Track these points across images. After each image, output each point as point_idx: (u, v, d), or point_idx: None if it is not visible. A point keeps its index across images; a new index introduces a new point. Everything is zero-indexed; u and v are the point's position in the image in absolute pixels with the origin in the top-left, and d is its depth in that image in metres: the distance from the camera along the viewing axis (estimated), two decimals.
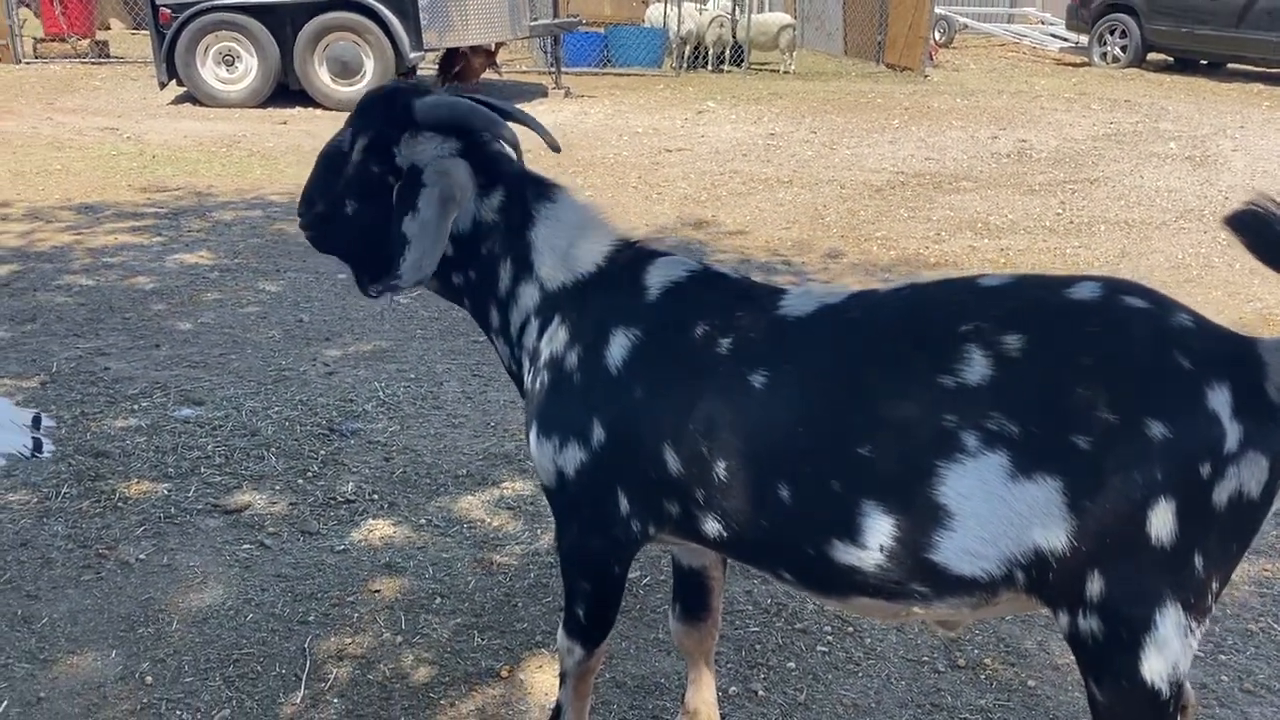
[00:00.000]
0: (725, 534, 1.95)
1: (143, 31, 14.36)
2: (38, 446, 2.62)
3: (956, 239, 7.14)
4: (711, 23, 15.46)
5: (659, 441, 1.95)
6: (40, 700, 2.66)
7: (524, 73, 14.93)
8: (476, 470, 3.87)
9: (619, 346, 2.02)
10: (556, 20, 13.89)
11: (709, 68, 15.51)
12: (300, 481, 3.75)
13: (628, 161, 9.33)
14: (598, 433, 2.01)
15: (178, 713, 2.64)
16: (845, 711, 2.73)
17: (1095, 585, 1.68)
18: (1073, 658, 1.83)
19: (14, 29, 13.97)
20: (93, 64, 14.25)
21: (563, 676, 2.31)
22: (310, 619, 3.01)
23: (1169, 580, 1.67)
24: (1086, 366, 1.66)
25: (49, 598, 3.06)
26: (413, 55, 11.56)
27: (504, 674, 2.81)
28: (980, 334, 1.73)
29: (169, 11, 11.37)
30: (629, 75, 14.89)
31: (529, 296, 2.17)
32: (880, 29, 16.13)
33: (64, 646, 2.86)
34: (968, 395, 1.70)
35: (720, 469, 1.89)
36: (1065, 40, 18.80)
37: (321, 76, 11.55)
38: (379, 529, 3.47)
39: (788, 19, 16.16)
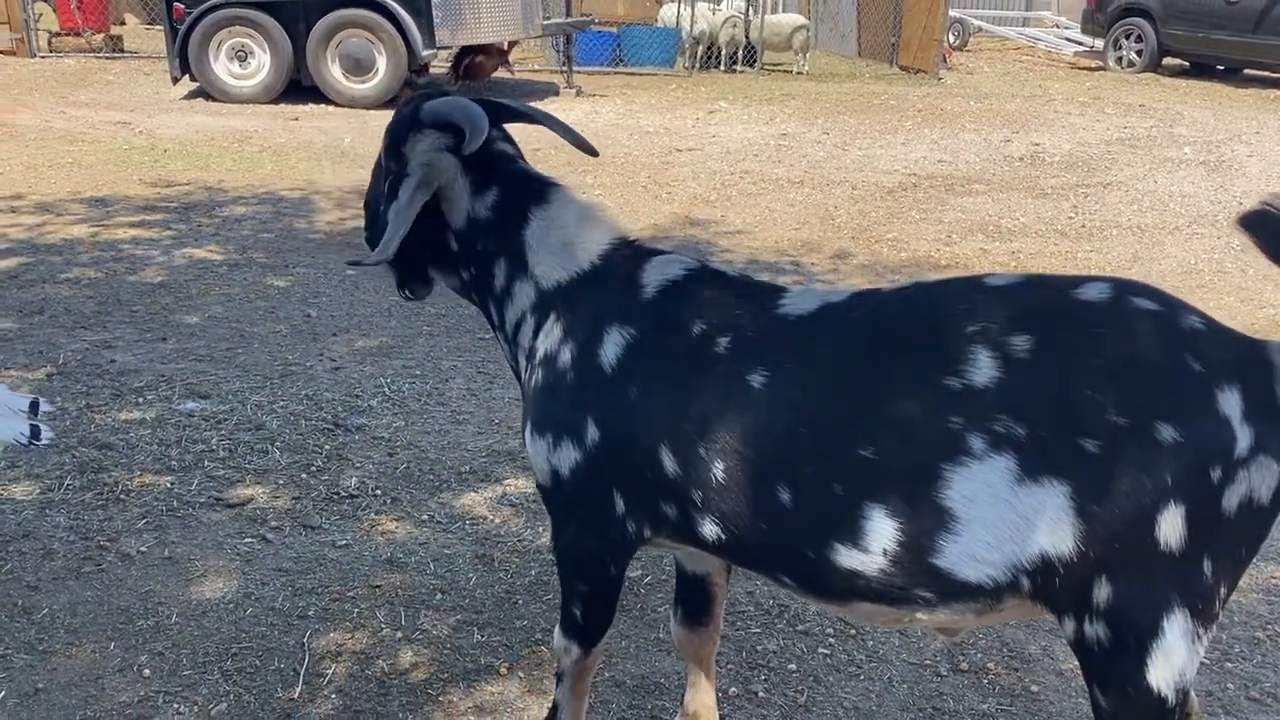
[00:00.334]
0: (724, 537, 1.91)
1: (157, 27, 14.39)
2: (35, 433, 2.61)
3: (968, 241, 7.10)
4: (725, 23, 15.43)
5: (655, 442, 1.92)
6: (38, 691, 2.65)
7: (536, 71, 14.93)
8: (480, 467, 3.85)
9: (614, 345, 1.99)
10: (569, 19, 13.89)
11: (722, 68, 15.48)
12: (304, 476, 3.75)
13: (638, 161, 9.31)
14: (592, 432, 1.98)
15: (175, 706, 2.63)
16: (846, 714, 2.71)
17: (1102, 591, 1.66)
18: (1077, 663, 1.80)
19: (29, 23, 14.02)
20: (107, 59, 14.29)
21: (559, 676, 2.29)
22: (310, 614, 3.00)
23: (1177, 586, 1.64)
24: (1095, 368, 1.63)
25: (49, 589, 3.06)
26: (425, 53, 11.57)
27: (503, 671, 2.80)
28: (987, 335, 1.69)
29: (183, 7, 11.39)
30: (641, 75, 14.88)
31: (525, 295, 2.17)
32: (894, 31, 16.08)
33: (63, 638, 2.85)
34: (974, 397, 1.67)
35: (718, 470, 1.86)
36: (1080, 44, 18.70)
37: (334, 73, 11.56)
38: (381, 524, 3.46)
39: (801, 20, 16.12)
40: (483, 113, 2.13)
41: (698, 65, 15.37)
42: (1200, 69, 16.25)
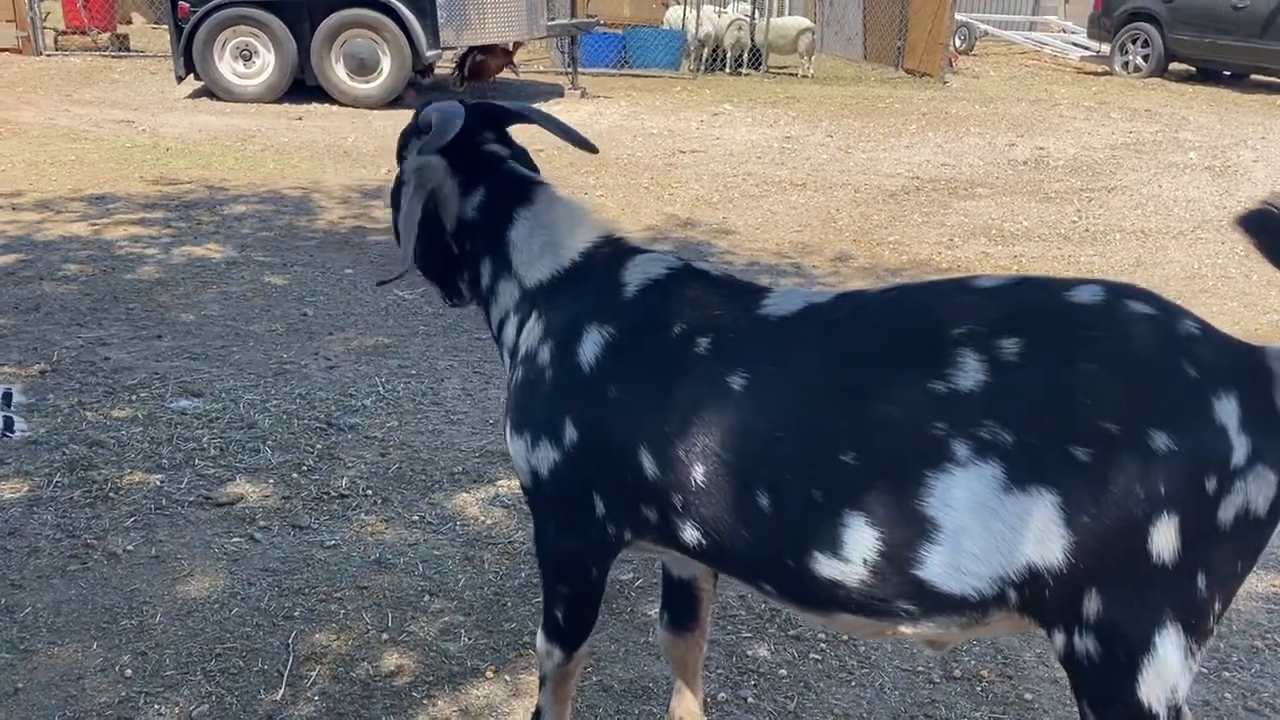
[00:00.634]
0: (704, 543, 1.87)
1: (163, 26, 14.39)
2: (8, 425, 2.58)
3: (969, 245, 7.06)
4: (730, 26, 15.39)
5: (634, 444, 1.87)
6: (17, 691, 2.62)
7: (541, 72, 14.90)
8: (472, 467, 3.82)
9: (592, 344, 1.95)
10: (574, 20, 13.86)
11: (727, 71, 15.44)
12: (295, 475, 3.72)
13: (641, 162, 9.28)
14: (570, 432, 1.95)
15: (156, 707, 2.60)
16: None
17: (1092, 604, 1.60)
18: None
19: (35, 21, 14.03)
20: (113, 57, 14.29)
21: (542, 680, 2.26)
22: (296, 614, 2.97)
23: (1170, 600, 1.59)
24: (1087, 373, 1.57)
25: (34, 587, 3.03)
26: (430, 53, 11.54)
27: (489, 675, 2.77)
28: (975, 337, 1.63)
29: (187, 6, 11.38)
30: (646, 77, 14.84)
31: (508, 294, 2.17)
32: (900, 35, 16.03)
33: (45, 637, 2.83)
34: (960, 402, 1.61)
35: (698, 474, 1.81)
36: (1087, 49, 18.63)
37: (338, 73, 11.54)
38: (371, 525, 3.43)
39: (807, 23, 16.08)
40: (458, 113, 2.14)
41: (703, 68, 15.33)
42: (1207, 74, 16.17)
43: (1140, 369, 1.57)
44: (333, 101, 11.55)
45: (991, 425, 1.59)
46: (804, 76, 15.35)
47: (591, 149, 2.42)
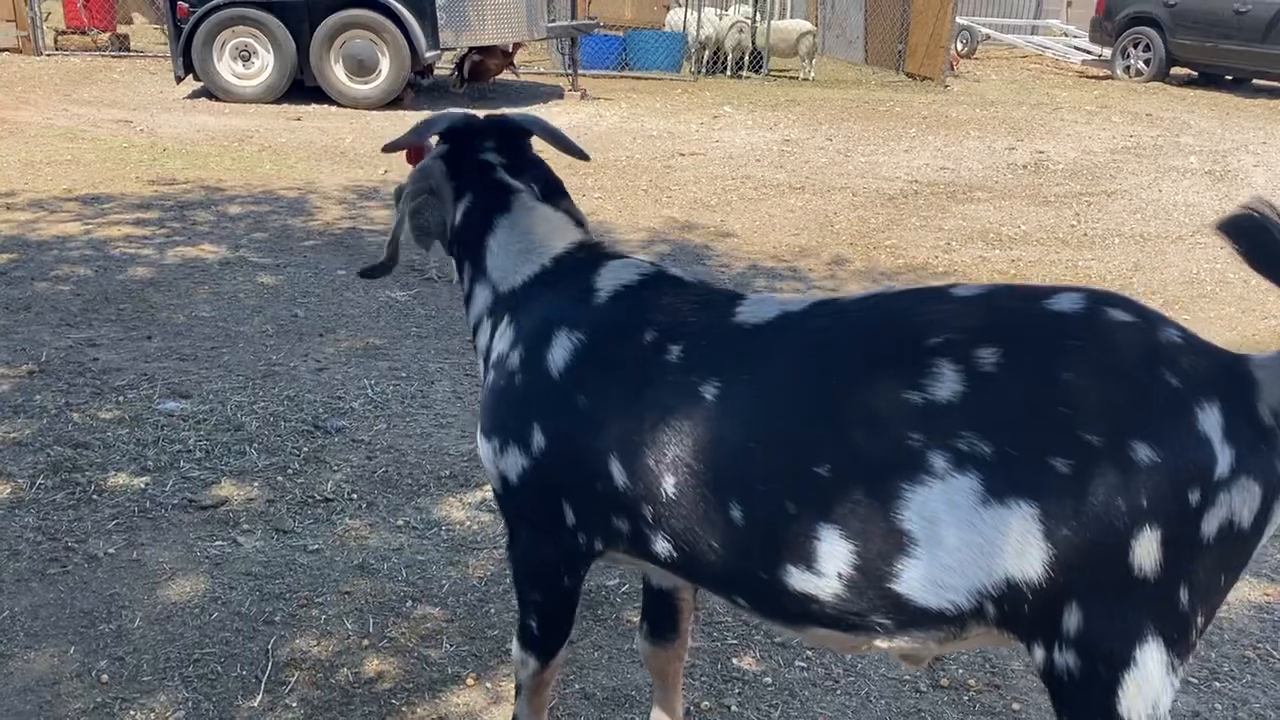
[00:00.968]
0: (676, 555, 1.83)
1: (157, 26, 14.41)
2: None
3: (967, 249, 7.03)
4: (731, 28, 15.38)
5: (603, 453, 1.84)
6: None
7: (540, 74, 14.89)
8: (460, 471, 3.79)
9: (561, 349, 1.93)
10: (574, 22, 13.83)
11: (728, 73, 15.43)
12: (280, 479, 3.69)
13: (640, 164, 9.25)
14: (537, 438, 1.92)
15: (131, 713, 2.57)
16: None
17: (1072, 619, 1.56)
18: None
19: (36, 21, 14.03)
20: (112, 57, 14.29)
21: (518, 688, 2.23)
22: (276, 619, 2.94)
23: (1152, 614, 1.55)
24: (1066, 383, 1.53)
25: (11, 591, 3.00)
26: (429, 54, 11.53)
27: (470, 682, 2.73)
28: (952, 347, 1.59)
29: (186, 6, 11.37)
30: (647, 79, 14.83)
31: (483, 298, 2.18)
32: (901, 38, 16.01)
33: (22, 641, 2.80)
34: (936, 412, 1.57)
35: (668, 485, 1.77)
36: (1088, 53, 18.60)
37: (337, 74, 11.52)
38: (355, 529, 3.40)
39: (808, 26, 16.06)
40: (438, 123, 2.23)
41: (704, 70, 15.31)
42: (1208, 78, 16.14)
43: (1121, 378, 1.53)
44: (331, 102, 11.54)
45: (969, 436, 1.55)
46: (805, 79, 15.33)
47: (583, 157, 2.44)
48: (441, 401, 4.38)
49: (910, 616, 1.64)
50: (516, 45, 12.88)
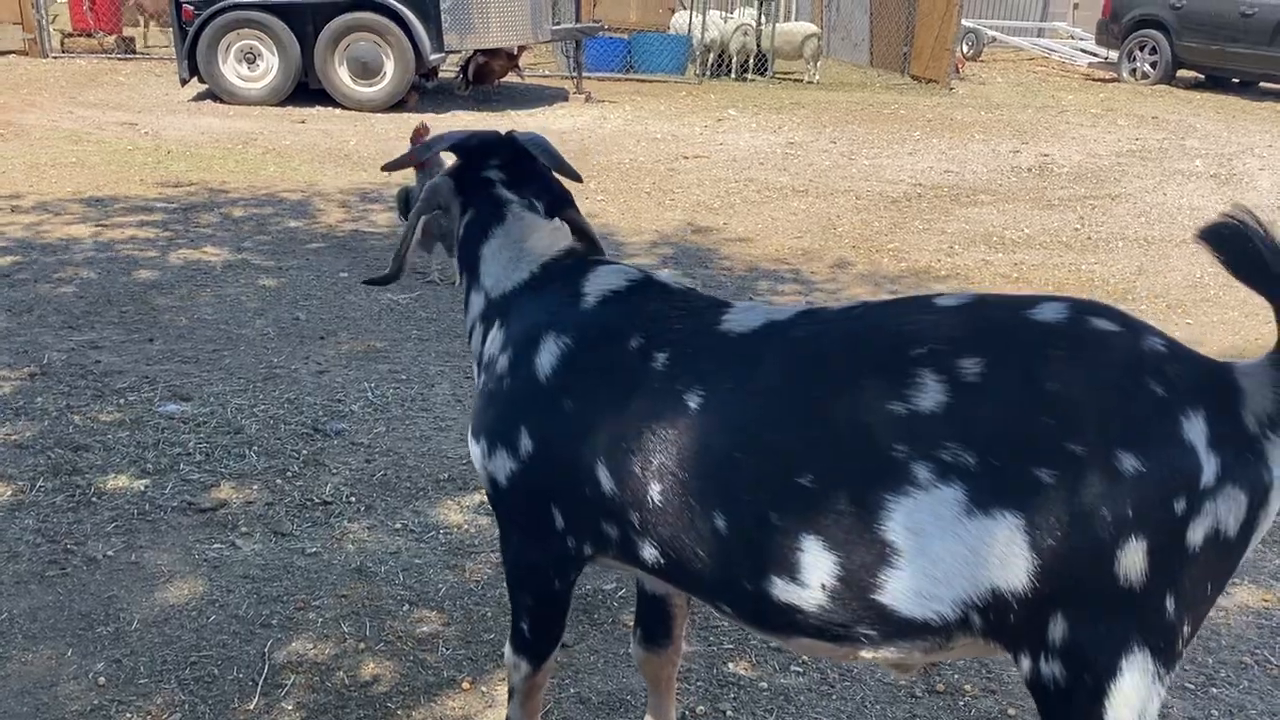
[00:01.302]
0: (662, 562, 1.84)
1: (156, 27, 14.46)
2: None
3: (970, 252, 7.02)
4: (736, 31, 15.37)
5: (590, 458, 1.85)
6: None
7: (545, 77, 14.90)
8: (458, 475, 3.80)
9: (549, 354, 1.94)
10: (578, 25, 13.85)
11: (733, 76, 15.43)
12: (279, 481, 3.69)
13: (643, 167, 9.26)
14: (525, 442, 1.93)
15: (128, 716, 2.57)
16: None
17: (1058, 629, 1.56)
18: None
19: (42, 24, 14.08)
20: (118, 60, 14.34)
21: (511, 691, 2.24)
22: (273, 622, 2.95)
23: (1138, 624, 1.55)
24: (1051, 393, 1.53)
25: (10, 593, 3.01)
26: (433, 57, 11.55)
27: (465, 686, 2.74)
28: (935, 357, 1.59)
29: (192, 9, 11.40)
30: (651, 82, 14.83)
31: (477, 304, 2.22)
32: (906, 40, 15.99)
33: (20, 644, 2.81)
34: (920, 423, 1.57)
35: (654, 492, 1.78)
36: (1095, 55, 18.58)
37: (341, 76, 11.55)
38: (353, 532, 3.41)
39: (813, 28, 16.04)
40: (445, 139, 2.30)
41: (709, 73, 15.32)
42: (1215, 81, 16.10)
43: (1105, 388, 1.53)
44: (336, 105, 11.56)
45: (953, 447, 1.55)
46: (809, 82, 15.32)
47: (576, 178, 2.42)
48: (441, 405, 4.39)
49: (895, 627, 1.64)
50: (521, 48, 12.90)
